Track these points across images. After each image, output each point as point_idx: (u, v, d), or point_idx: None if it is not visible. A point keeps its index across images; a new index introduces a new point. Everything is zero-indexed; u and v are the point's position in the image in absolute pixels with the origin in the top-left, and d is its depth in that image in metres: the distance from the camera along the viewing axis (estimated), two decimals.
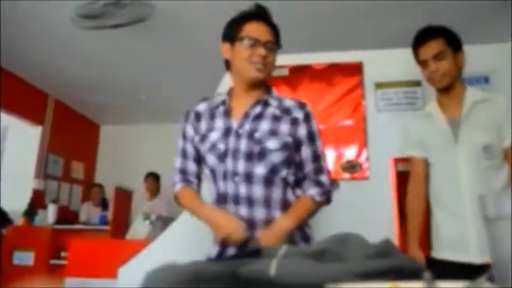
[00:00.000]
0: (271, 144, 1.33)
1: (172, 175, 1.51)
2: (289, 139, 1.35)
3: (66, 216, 5.20)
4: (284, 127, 1.36)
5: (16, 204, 4.59)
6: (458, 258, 1.64)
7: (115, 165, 6.18)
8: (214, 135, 1.38)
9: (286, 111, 1.39)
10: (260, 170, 1.32)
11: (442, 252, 1.72)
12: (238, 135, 1.35)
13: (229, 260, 1.16)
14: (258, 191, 1.31)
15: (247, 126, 1.36)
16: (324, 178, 1.41)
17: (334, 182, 1.45)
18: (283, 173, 1.35)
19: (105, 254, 3.12)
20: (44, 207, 4.82)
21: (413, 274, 0.59)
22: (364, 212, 2.44)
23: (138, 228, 3.29)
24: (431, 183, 1.80)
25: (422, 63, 1.76)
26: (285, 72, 2.85)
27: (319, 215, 2.48)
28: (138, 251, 2.38)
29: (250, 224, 1.30)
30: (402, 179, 2.39)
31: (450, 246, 1.69)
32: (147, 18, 3.38)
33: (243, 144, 1.34)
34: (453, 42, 1.73)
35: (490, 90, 2.70)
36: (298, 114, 1.39)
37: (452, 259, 1.66)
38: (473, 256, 1.59)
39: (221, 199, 1.35)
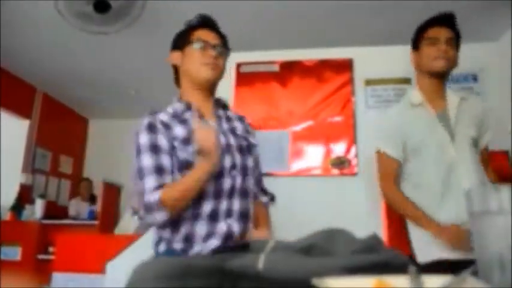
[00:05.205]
0: (252, 139, 1.43)
1: (138, 180, 1.32)
2: None
3: (54, 211, 5.15)
4: (247, 127, 1.48)
5: (3, 199, 4.53)
6: (448, 256, 1.52)
7: (104, 160, 6.13)
8: None
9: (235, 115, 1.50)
10: (250, 162, 1.37)
11: (430, 251, 1.58)
12: (224, 133, 1.36)
13: (217, 254, 1.16)
14: (250, 179, 1.36)
15: (225, 126, 1.40)
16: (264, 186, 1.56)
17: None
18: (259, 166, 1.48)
19: (93, 249, 3.11)
20: (32, 202, 4.78)
21: (399, 268, 0.59)
22: (353, 207, 2.46)
23: (127, 223, 3.28)
24: (414, 177, 1.73)
25: (432, 40, 1.74)
26: (276, 68, 2.85)
27: (308, 210, 2.49)
28: (126, 246, 2.38)
29: (245, 215, 1.31)
30: None
31: (436, 243, 1.57)
32: (137, 14, 3.35)
33: (232, 140, 1.36)
34: (458, 40, 1.79)
35: (478, 88, 2.74)
36: (243, 119, 1.52)
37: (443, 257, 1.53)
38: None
39: (214, 195, 1.27)
